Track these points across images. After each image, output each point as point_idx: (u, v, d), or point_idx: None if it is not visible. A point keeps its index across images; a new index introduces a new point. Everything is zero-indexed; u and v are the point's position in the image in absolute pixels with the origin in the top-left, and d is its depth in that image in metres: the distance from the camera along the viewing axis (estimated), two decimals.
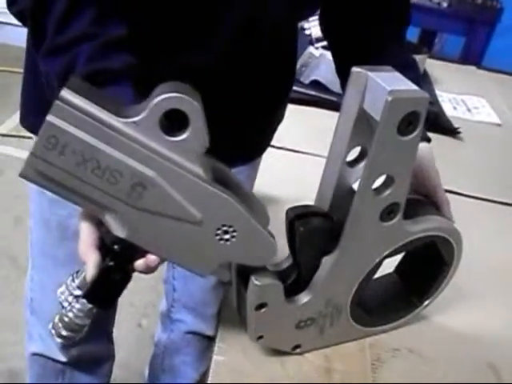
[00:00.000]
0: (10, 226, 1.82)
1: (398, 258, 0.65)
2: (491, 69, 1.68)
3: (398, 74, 0.48)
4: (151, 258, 0.47)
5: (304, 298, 0.56)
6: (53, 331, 0.49)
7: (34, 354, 0.84)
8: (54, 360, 0.84)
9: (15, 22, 0.55)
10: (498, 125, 1.33)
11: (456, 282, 0.65)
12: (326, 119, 1.10)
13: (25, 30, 0.56)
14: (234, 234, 0.46)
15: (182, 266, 0.48)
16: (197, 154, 0.43)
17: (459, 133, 1.22)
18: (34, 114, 0.67)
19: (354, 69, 0.48)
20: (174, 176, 0.43)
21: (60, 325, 0.49)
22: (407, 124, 0.45)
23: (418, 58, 1.44)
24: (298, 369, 0.61)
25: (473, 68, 1.67)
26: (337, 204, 0.54)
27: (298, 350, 0.60)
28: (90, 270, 0.46)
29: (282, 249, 0.53)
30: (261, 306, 0.53)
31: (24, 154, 0.42)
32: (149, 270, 0.47)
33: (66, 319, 0.49)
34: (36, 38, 0.52)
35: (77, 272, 0.49)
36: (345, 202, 0.52)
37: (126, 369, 1.35)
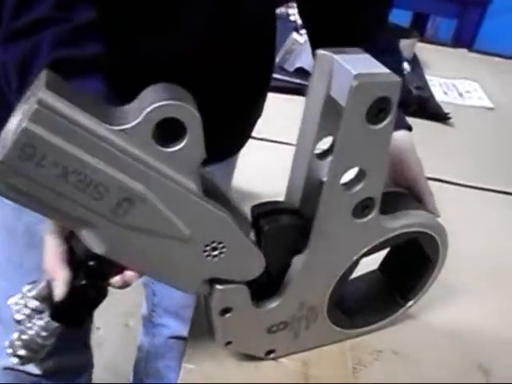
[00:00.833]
0: None
1: (384, 253, 0.62)
2: (483, 51, 1.63)
3: (367, 56, 0.43)
4: (129, 275, 0.43)
5: (274, 301, 0.52)
6: (9, 350, 0.44)
7: (6, 368, 0.80)
8: (27, 373, 0.79)
9: None
10: (491, 109, 1.28)
11: (444, 279, 0.61)
12: None
13: None
14: (224, 250, 0.44)
15: (164, 283, 0.45)
16: (192, 166, 0.39)
17: (449, 118, 1.17)
18: None
19: (320, 51, 0.43)
20: (166, 191, 0.39)
21: (18, 343, 0.44)
22: (377, 111, 0.41)
23: (407, 42, 1.40)
24: (274, 375, 0.57)
25: (464, 51, 1.62)
26: (307, 199, 0.50)
27: (272, 356, 0.56)
28: (60, 288, 0.42)
29: None
30: (225, 310, 0.49)
31: None
32: (126, 285, 0.44)
33: (26, 337, 0.44)
34: None
35: (34, 281, 0.45)
36: (316, 197, 0.48)
37: (112, 371, 1.31)
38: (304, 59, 1.22)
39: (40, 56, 0.43)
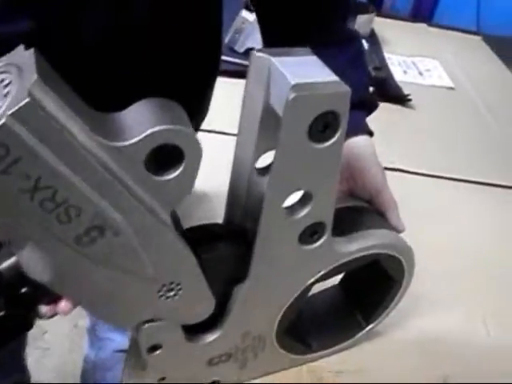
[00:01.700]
0: None
1: None
2: (443, 26, 1.58)
3: (314, 59, 0.36)
4: (63, 307, 0.38)
5: (212, 334, 0.46)
6: None
7: None
8: None
9: None
10: (451, 88, 1.23)
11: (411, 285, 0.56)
12: None
13: None
14: (180, 292, 0.40)
15: (98, 317, 0.40)
16: (176, 198, 0.34)
17: (409, 100, 1.12)
18: None
19: (255, 53, 0.36)
20: (144, 225, 0.34)
21: None
22: (322, 127, 0.34)
23: (364, 17, 1.33)
24: None
25: (424, 26, 1.57)
26: (250, 219, 0.43)
27: None
28: None
29: None
30: (154, 347, 0.43)
31: None
32: (54, 315, 0.39)
33: None
34: None
35: None
36: (259, 217, 0.41)
37: (59, 374, 1.24)
38: (255, 39, 1.13)
39: None
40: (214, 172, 0.80)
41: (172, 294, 0.40)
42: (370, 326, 0.57)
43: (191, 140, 0.32)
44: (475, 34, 1.59)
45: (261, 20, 0.61)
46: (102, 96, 0.48)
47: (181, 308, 0.41)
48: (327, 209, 0.40)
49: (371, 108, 0.55)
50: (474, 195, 0.88)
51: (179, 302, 0.40)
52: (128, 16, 0.48)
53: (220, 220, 0.46)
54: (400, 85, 1.15)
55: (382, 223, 0.49)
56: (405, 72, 1.25)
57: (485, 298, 0.68)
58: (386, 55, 1.29)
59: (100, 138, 0.30)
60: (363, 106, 0.53)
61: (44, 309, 0.38)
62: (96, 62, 0.49)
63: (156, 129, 0.30)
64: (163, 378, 0.47)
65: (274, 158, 0.35)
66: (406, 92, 1.13)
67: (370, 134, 0.53)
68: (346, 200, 0.50)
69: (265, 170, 0.42)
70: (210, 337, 0.46)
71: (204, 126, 0.72)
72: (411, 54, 1.34)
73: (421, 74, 1.26)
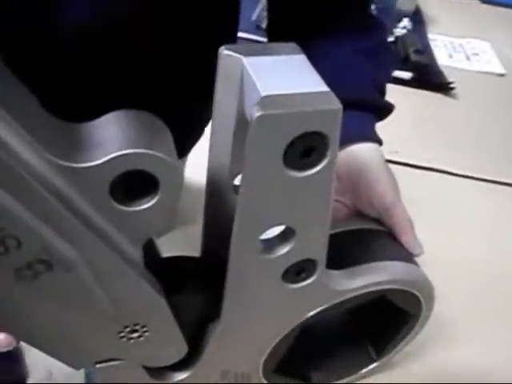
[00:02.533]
0: None
1: None
2: (497, 3, 1.43)
3: (299, 60, 0.27)
4: (2, 341, 0.32)
5: (182, 373, 0.39)
6: None
7: None
8: None
9: None
10: (502, 75, 1.10)
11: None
12: None
13: None
14: (146, 334, 0.34)
15: (47, 353, 0.34)
16: (148, 233, 0.29)
17: (452, 88, 1.00)
18: None
19: (224, 51, 0.28)
20: (103, 262, 0.28)
21: None
22: (304, 152, 0.26)
23: None
24: None
25: (476, 2, 1.42)
26: (227, 249, 0.36)
27: None
28: None
29: None
30: None
31: None
32: None
33: None
34: None
35: None
36: None
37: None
38: None
39: None
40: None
41: (136, 335, 0.34)
42: (383, 360, 0.49)
43: (167, 167, 0.25)
44: None
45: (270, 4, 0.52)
46: (77, 101, 0.41)
47: (146, 351, 0.35)
48: (316, 245, 0.32)
49: (383, 112, 0.46)
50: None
51: (145, 345, 0.34)
52: (117, 3, 0.41)
53: None
54: (443, 70, 1.04)
55: (392, 251, 0.41)
56: (450, 56, 1.13)
57: None
58: (431, 36, 1.17)
59: (51, 156, 0.23)
60: (372, 108, 0.44)
61: None
62: (77, 56, 0.42)
63: (125, 152, 0.24)
64: None
65: (240, 187, 0.27)
66: (449, 79, 1.01)
67: (379, 142, 0.44)
68: (348, 221, 0.42)
69: None
70: (181, 375, 0.39)
71: None
72: (459, 34, 1.22)
73: (468, 58, 1.14)
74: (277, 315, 0.37)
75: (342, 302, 0.38)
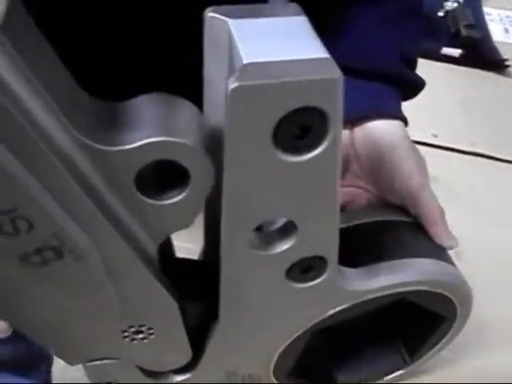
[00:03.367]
0: None
1: None
2: None
3: (298, 22, 0.23)
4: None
5: (182, 374, 0.36)
6: None
7: None
8: None
9: None
10: None
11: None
12: None
13: None
14: (151, 336, 0.32)
15: (45, 345, 0.33)
16: (169, 229, 0.26)
17: (507, 66, 0.92)
18: None
19: (209, 13, 0.24)
20: (117, 256, 0.25)
21: None
22: (297, 133, 0.22)
23: None
24: None
25: None
26: None
27: None
28: None
29: None
30: None
31: None
32: None
33: None
34: None
35: None
36: None
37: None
38: None
39: None
40: None
41: (140, 337, 0.31)
42: (416, 363, 0.44)
43: (201, 160, 0.23)
44: None
45: None
46: (108, 78, 0.39)
47: (149, 354, 0.33)
48: (323, 241, 0.27)
49: (411, 88, 0.41)
50: None
51: (148, 347, 0.32)
52: None
53: None
54: (498, 46, 0.96)
55: (419, 247, 0.36)
56: (506, 30, 1.04)
57: None
58: (485, 9, 1.08)
59: (77, 133, 0.20)
60: (396, 82, 0.38)
61: None
62: (114, 29, 0.39)
63: (159, 139, 0.21)
64: None
65: (224, 173, 0.23)
66: (504, 56, 0.93)
67: (404, 121, 0.39)
68: (367, 211, 0.37)
69: None
70: (180, 377, 0.36)
71: None
72: None
73: None
74: (284, 316, 0.33)
75: (359, 304, 0.34)
